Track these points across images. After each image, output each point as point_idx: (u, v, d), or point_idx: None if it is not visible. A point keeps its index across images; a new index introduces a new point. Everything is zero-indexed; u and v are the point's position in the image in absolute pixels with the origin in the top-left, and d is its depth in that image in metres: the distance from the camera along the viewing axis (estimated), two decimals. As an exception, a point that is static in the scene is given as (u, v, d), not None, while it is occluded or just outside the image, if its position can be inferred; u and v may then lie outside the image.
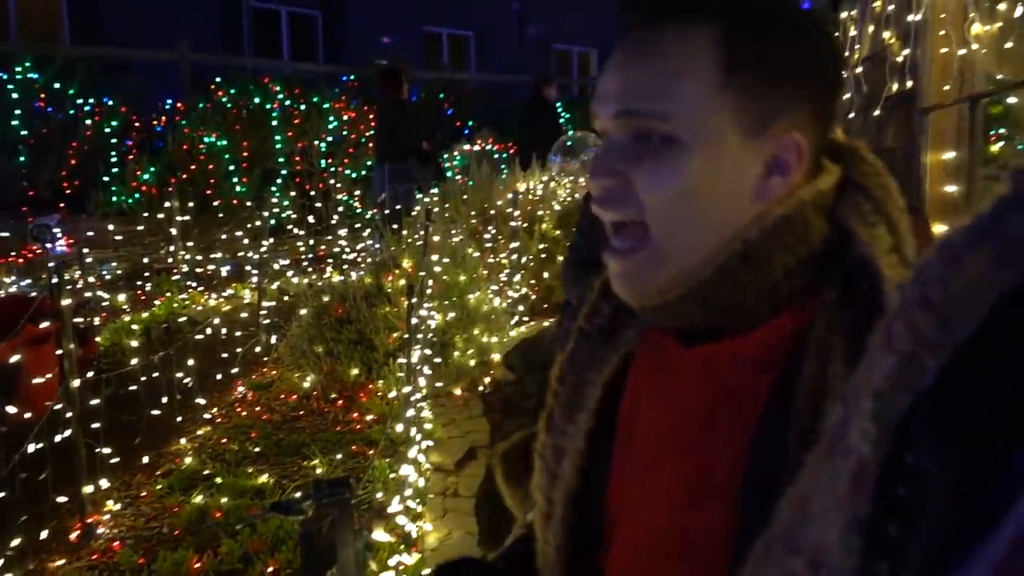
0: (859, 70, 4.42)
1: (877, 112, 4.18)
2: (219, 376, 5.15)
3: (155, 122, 8.87)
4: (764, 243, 0.67)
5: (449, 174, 8.24)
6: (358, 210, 8.72)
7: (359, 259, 6.85)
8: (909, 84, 3.88)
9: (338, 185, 8.87)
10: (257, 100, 9.08)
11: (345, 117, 9.42)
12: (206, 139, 8.42)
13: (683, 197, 0.68)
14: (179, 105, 8.91)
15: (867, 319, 0.63)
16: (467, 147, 8.30)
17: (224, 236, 7.50)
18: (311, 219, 7.84)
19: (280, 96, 9.21)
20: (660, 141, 0.68)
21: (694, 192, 0.67)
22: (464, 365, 5.11)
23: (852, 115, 4.61)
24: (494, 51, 15.18)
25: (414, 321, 4.24)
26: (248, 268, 6.90)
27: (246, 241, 7.25)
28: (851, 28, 4.58)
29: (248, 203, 8.05)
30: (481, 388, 5.18)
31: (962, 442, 0.33)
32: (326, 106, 9.38)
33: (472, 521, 3.51)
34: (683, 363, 0.74)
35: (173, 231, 7.34)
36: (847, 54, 4.66)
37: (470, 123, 10.41)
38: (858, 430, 0.36)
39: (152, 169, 7.97)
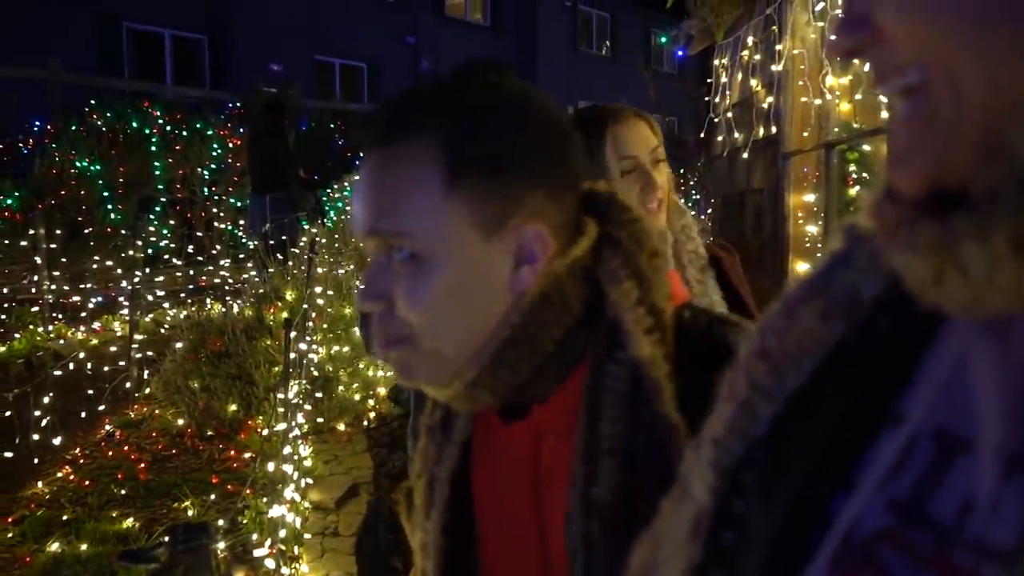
0: (729, 115, 4.66)
1: (745, 155, 4.42)
2: (83, 414, 4.85)
3: (21, 144, 8.38)
4: (527, 325, 0.71)
5: (340, 204, 8.10)
6: (243, 240, 8.46)
7: (241, 290, 6.64)
8: (773, 130, 4.12)
9: (221, 214, 8.59)
10: (135, 124, 8.72)
11: (230, 144, 9.16)
12: (78, 163, 8.01)
13: (439, 308, 0.70)
14: (49, 127, 8.45)
15: (628, 375, 0.69)
16: (357, 178, 8.21)
17: (95, 265, 7.12)
18: (191, 249, 7.56)
19: (160, 121, 8.88)
20: (408, 258, 0.70)
21: (448, 301, 0.70)
22: (348, 400, 5.01)
23: (724, 155, 4.85)
24: (388, 83, 15.18)
25: (293, 355, 4.13)
26: (120, 299, 6.57)
27: (119, 271, 6.91)
28: (723, 75, 4.83)
29: (123, 231, 7.69)
30: (366, 423, 5.08)
31: (782, 490, 0.34)
32: (210, 132, 9.10)
33: (352, 561, 3.42)
34: (506, 441, 0.78)
35: (38, 259, 6.92)
36: (718, 99, 4.91)
37: (360, 154, 10.33)
38: (698, 478, 0.38)
39: (16, 194, 7.51)
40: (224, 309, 6.05)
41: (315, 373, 4.86)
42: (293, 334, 3.97)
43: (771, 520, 0.34)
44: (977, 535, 0.28)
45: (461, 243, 0.70)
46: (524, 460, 0.76)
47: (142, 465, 4.28)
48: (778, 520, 0.34)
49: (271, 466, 3.61)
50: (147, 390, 5.27)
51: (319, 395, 4.78)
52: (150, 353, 5.57)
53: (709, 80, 5.09)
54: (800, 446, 0.34)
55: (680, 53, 5.42)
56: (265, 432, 4.32)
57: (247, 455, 4.34)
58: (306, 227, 6.69)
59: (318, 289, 5.14)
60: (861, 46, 0.33)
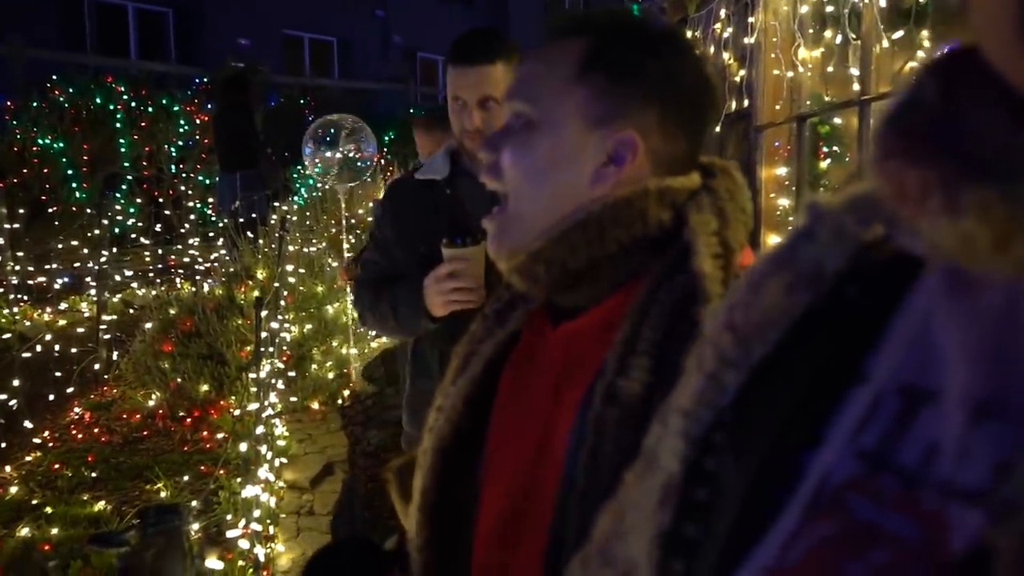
0: (702, 88, 4.64)
1: (717, 128, 4.41)
2: (52, 397, 4.77)
3: (-20, 121, 8.16)
4: (601, 215, 0.78)
5: (311, 182, 7.99)
6: (212, 218, 8.33)
7: (211, 270, 6.55)
8: (746, 103, 4.11)
9: (190, 192, 8.45)
10: (99, 100, 8.52)
11: (198, 120, 8.98)
12: (40, 141, 7.82)
13: (532, 173, 0.81)
14: (9, 104, 8.23)
15: (683, 292, 0.72)
16: (328, 154, 8.10)
17: (60, 245, 6.98)
18: (159, 227, 7.43)
19: (125, 97, 8.68)
20: (524, 125, 0.82)
21: (541, 169, 0.80)
22: (322, 378, 4.98)
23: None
24: (358, 58, 14.96)
25: (265, 334, 4.09)
26: (87, 279, 6.46)
27: (85, 251, 6.78)
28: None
29: (88, 210, 7.53)
30: (340, 401, 5.06)
31: (752, 448, 0.35)
32: (176, 108, 8.92)
33: (327, 540, 3.41)
34: (549, 339, 0.84)
35: (0, 240, 6.77)
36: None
37: (331, 131, 10.20)
38: (668, 447, 0.39)
39: (-23, 172, 7.32)
40: (194, 288, 5.97)
41: (288, 352, 4.82)
42: (265, 313, 3.93)
43: (742, 477, 0.35)
44: (943, 477, 0.30)
45: (568, 124, 0.80)
46: (553, 362, 0.81)
47: (112, 447, 4.23)
48: (749, 477, 0.35)
49: (244, 446, 3.58)
50: (116, 371, 5.20)
51: (292, 374, 4.75)
52: (119, 334, 5.49)
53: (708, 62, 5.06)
54: (768, 408, 0.36)
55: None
56: (237, 412, 4.28)
57: (220, 435, 4.30)
58: (277, 205, 6.60)
59: (290, 267, 5.08)
60: None
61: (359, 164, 5.47)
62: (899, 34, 3.15)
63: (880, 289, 0.35)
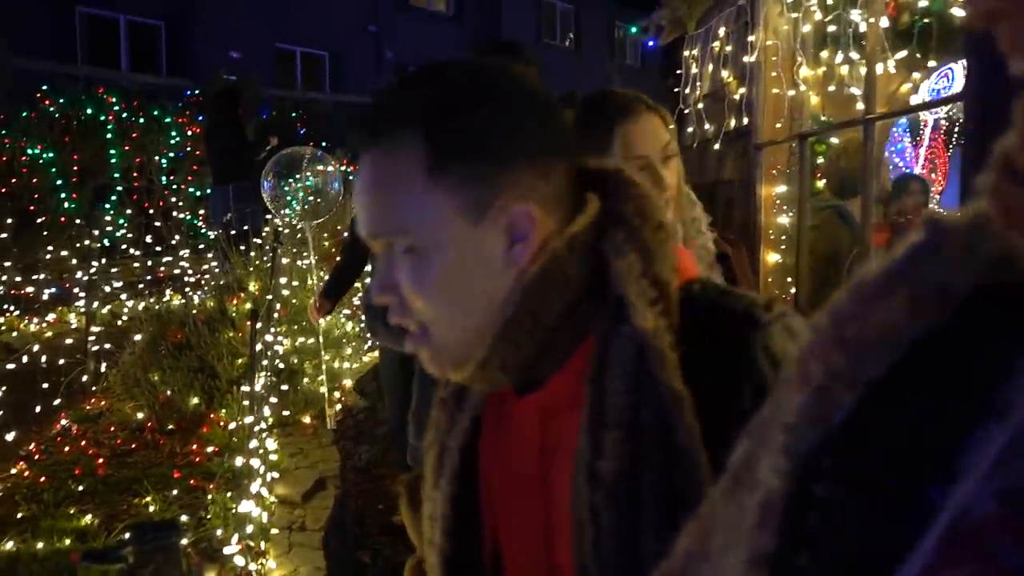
0: (700, 106, 4.66)
1: (717, 146, 4.42)
2: (38, 408, 4.69)
3: (-32, 130, 8.08)
4: (527, 303, 0.72)
5: (301, 195, 7.93)
6: (202, 230, 8.27)
7: (202, 282, 6.48)
8: (745, 121, 4.12)
9: (180, 203, 8.39)
10: (90, 111, 8.47)
11: (189, 132, 8.94)
12: (30, 151, 7.75)
13: (439, 297, 0.73)
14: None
15: (633, 348, 0.69)
16: (320, 168, 8.07)
17: (49, 256, 6.90)
18: (149, 239, 7.36)
19: (116, 108, 8.63)
20: (407, 252, 0.73)
21: (448, 288, 0.72)
22: (314, 392, 4.93)
23: (694, 146, 4.86)
24: (350, 72, 14.98)
25: (259, 347, 4.04)
26: (76, 290, 6.37)
27: (74, 261, 6.71)
28: (693, 66, 4.83)
29: (77, 220, 7.46)
30: (330, 416, 5.00)
31: (872, 477, 0.33)
32: (167, 120, 8.87)
33: (320, 555, 3.35)
34: (516, 415, 0.79)
35: (-12, 250, 6.68)
36: (688, 90, 4.91)
37: (323, 144, 10.18)
38: (767, 464, 0.37)
39: (-35, 181, 7.24)
40: (184, 300, 5.90)
41: (280, 365, 4.77)
42: (259, 325, 3.88)
43: (860, 508, 0.33)
44: None
45: (450, 231, 0.71)
46: (532, 434, 0.77)
47: (100, 460, 4.15)
48: (868, 506, 0.33)
49: (240, 460, 3.52)
50: (104, 383, 5.12)
51: (284, 387, 4.69)
52: (107, 346, 5.41)
53: (678, 71, 5.09)
54: (885, 434, 0.34)
55: (651, 44, 5.41)
56: (233, 425, 4.22)
57: (209, 449, 4.23)
58: (270, 217, 6.55)
59: (283, 280, 5.03)
60: (1003, 11, 0.31)
61: (322, 201, 5.08)
62: (902, 54, 3.17)
63: (1012, 313, 0.33)
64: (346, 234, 3.94)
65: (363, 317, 3.82)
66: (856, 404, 0.35)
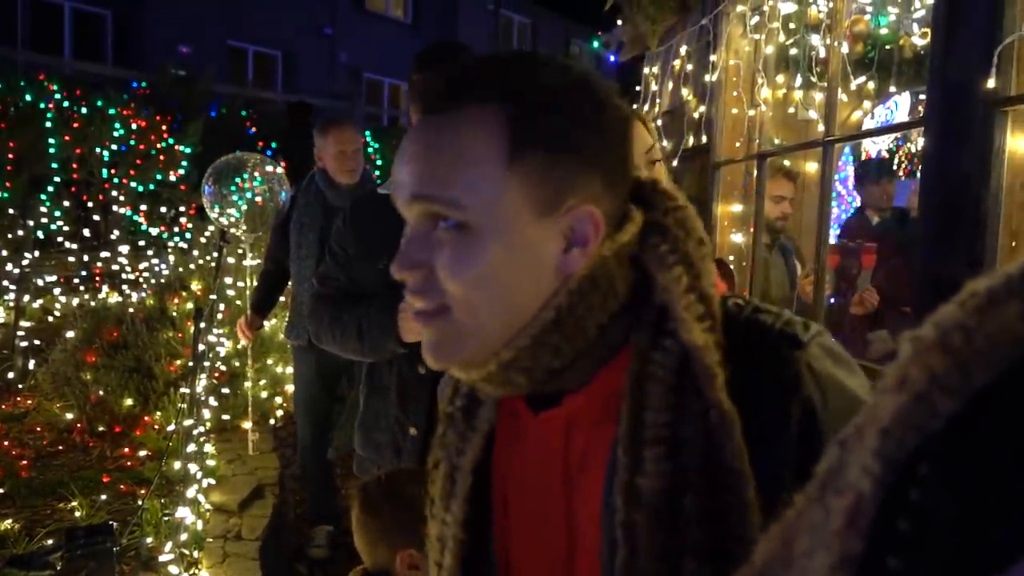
0: (659, 123, 4.69)
1: (675, 163, 4.45)
2: (-42, 405, 4.46)
3: None
4: (573, 308, 0.69)
5: (249, 195, 7.74)
6: (143, 226, 8.01)
7: (141, 279, 6.26)
8: (704, 139, 4.16)
9: (121, 198, 8.10)
10: (29, 98, 8.14)
11: (134, 125, 8.66)
12: (-38, 136, 7.40)
13: (483, 281, 0.68)
14: (-70, 95, 7.79)
15: (675, 363, 0.67)
16: (269, 168, 7.91)
17: (-23, 246, 6.59)
18: (87, 233, 7.08)
19: (57, 96, 8.32)
20: (456, 228, 0.68)
21: (493, 276, 0.68)
22: (255, 397, 4.78)
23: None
24: (303, 73, 14.78)
25: (201, 348, 3.90)
26: (6, 283, 6.09)
27: (4, 252, 6.41)
28: (653, 83, 4.86)
29: (10, 210, 7.14)
30: (273, 422, 4.86)
31: (972, 486, 0.33)
32: (112, 111, 8.58)
33: (255, 566, 3.23)
34: (535, 429, 0.76)
35: (-89, 237, 6.36)
36: (647, 107, 4.94)
37: (273, 144, 9.98)
38: (859, 466, 0.37)
39: None
40: (121, 298, 5.69)
41: (222, 368, 4.61)
42: (201, 325, 3.75)
43: (961, 514, 0.33)
44: None
45: (515, 219, 0.68)
46: (555, 451, 0.74)
47: (24, 462, 3.95)
48: (967, 513, 0.33)
49: (177, 464, 3.38)
50: (32, 381, 4.89)
51: (225, 390, 4.54)
52: (37, 342, 5.18)
53: (636, 88, 5.12)
54: (991, 442, 0.33)
55: (612, 59, 5.44)
56: (171, 428, 4.05)
57: (143, 453, 4.06)
58: (215, 217, 6.37)
59: (227, 280, 4.88)
60: None
61: (267, 212, 4.58)
62: (860, 80, 3.23)
63: None
64: (269, 240, 3.81)
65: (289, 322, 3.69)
66: (959, 411, 0.34)
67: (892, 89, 3.59)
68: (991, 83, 1.96)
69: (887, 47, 3.37)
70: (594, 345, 0.71)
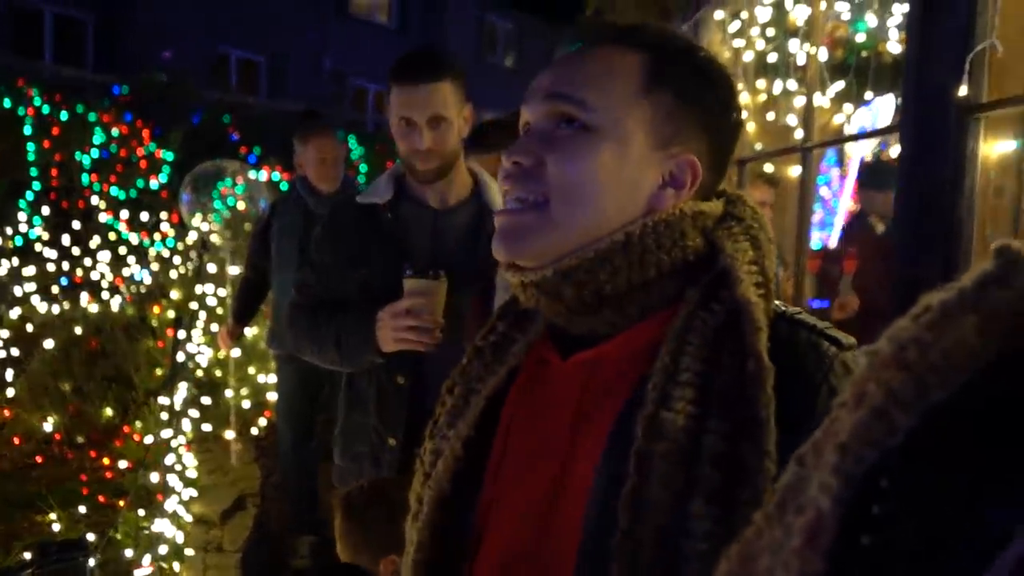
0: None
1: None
2: (-66, 417, 4.40)
3: None
4: (644, 238, 0.73)
5: (231, 202, 7.69)
6: (125, 234, 7.94)
7: (122, 288, 6.19)
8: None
9: (103, 205, 8.04)
10: (7, 103, 8.06)
11: (116, 131, 8.59)
12: (-61, 142, 7.32)
13: (586, 182, 0.74)
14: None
15: (724, 320, 0.70)
16: (252, 175, 7.88)
17: (-46, 254, 6.50)
18: (67, 240, 7.01)
19: (37, 102, 8.24)
20: (578, 128, 0.75)
21: (597, 177, 0.74)
22: (237, 406, 4.75)
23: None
24: (288, 79, 14.72)
25: (181, 357, 3.87)
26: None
27: (-18, 261, 6.33)
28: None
29: (-11, 218, 7.06)
30: (255, 431, 4.83)
31: (934, 499, 0.34)
32: (92, 117, 8.52)
33: (237, 578, 3.21)
34: (560, 373, 0.79)
35: None
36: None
37: (256, 150, 9.93)
38: (818, 483, 0.37)
39: None
40: (101, 306, 5.62)
41: (202, 377, 4.57)
42: (181, 335, 3.71)
43: (919, 531, 0.34)
44: None
45: (632, 137, 0.75)
46: (571, 394, 0.76)
47: (0, 474, 3.90)
48: (928, 527, 0.34)
49: (155, 476, 3.34)
50: (10, 391, 4.83)
51: (206, 400, 4.50)
52: (15, 351, 5.11)
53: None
54: (952, 457, 0.34)
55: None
56: (149, 439, 4.01)
57: (123, 464, 4.02)
58: (196, 226, 6.33)
59: (209, 288, 4.84)
60: None
61: (250, 219, 4.56)
62: (839, 85, 3.24)
63: None
64: (249, 248, 3.77)
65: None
66: (917, 426, 0.35)
67: (868, 96, 3.60)
68: (963, 90, 1.97)
69: (863, 54, 3.39)
70: (648, 286, 0.74)
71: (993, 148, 2.02)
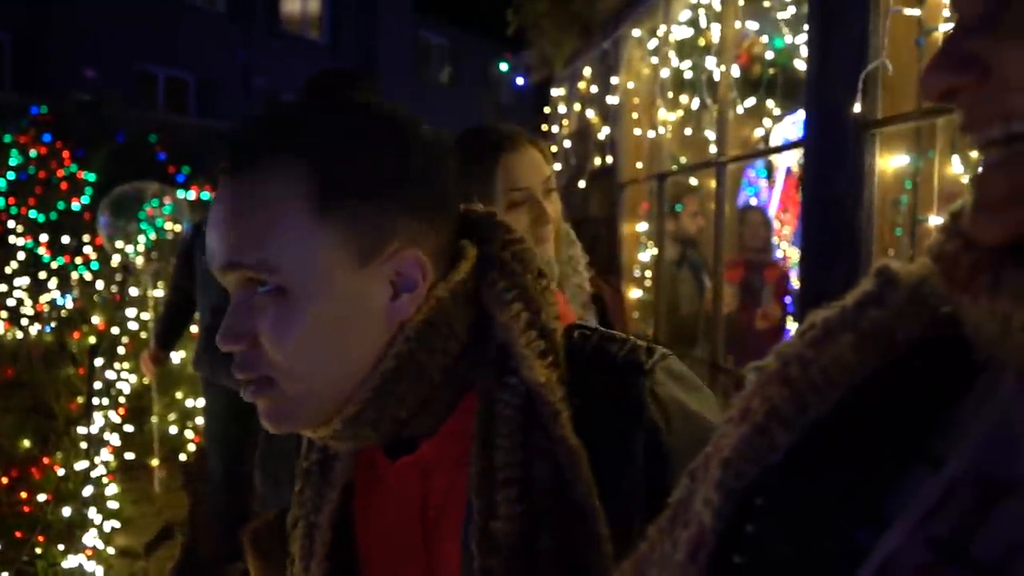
0: (567, 144, 4.76)
1: (583, 183, 4.52)
2: None
3: None
4: (414, 354, 0.67)
5: (159, 223, 7.50)
6: (44, 258, 7.68)
7: (41, 314, 5.98)
8: (609, 160, 4.24)
9: (20, 228, 7.76)
10: (-82, 125, 7.74)
11: (33, 153, 8.32)
12: None
13: (311, 344, 0.65)
14: None
15: (520, 401, 0.66)
16: (180, 196, 7.70)
17: None
18: (-18, 266, 6.74)
19: (-51, 123, 7.94)
20: (275, 292, 0.65)
21: (319, 339, 0.65)
22: (163, 432, 4.62)
23: (560, 184, 4.95)
24: (217, 97, 14.48)
25: (99, 385, 3.75)
26: None
27: None
28: (560, 105, 4.94)
29: None
30: (183, 457, 4.70)
31: (803, 517, 0.34)
32: (7, 139, 8.23)
33: (162, 612, 3.12)
34: (392, 477, 0.74)
35: None
36: (556, 129, 5.02)
37: (185, 169, 9.73)
38: (702, 498, 0.38)
39: None
40: (21, 333, 5.42)
41: (125, 403, 4.44)
42: (100, 361, 3.60)
43: (791, 548, 0.34)
44: None
45: (334, 273, 0.65)
46: (413, 498, 0.73)
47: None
48: (799, 549, 0.34)
49: (68, 510, 3.23)
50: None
51: (130, 428, 4.37)
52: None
53: (547, 110, 5.20)
54: (822, 474, 0.35)
55: (520, 81, 5.50)
56: (62, 472, 3.87)
57: (41, 497, 3.86)
58: (120, 247, 6.16)
59: (132, 312, 4.72)
60: (960, 87, 0.32)
61: (177, 240, 4.43)
62: (751, 102, 3.34)
63: (949, 366, 0.34)
64: (173, 269, 3.68)
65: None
66: (793, 444, 0.35)
67: (776, 112, 3.72)
68: (858, 107, 2.06)
69: (771, 70, 3.50)
70: (440, 389, 0.69)
71: (888, 162, 2.11)
